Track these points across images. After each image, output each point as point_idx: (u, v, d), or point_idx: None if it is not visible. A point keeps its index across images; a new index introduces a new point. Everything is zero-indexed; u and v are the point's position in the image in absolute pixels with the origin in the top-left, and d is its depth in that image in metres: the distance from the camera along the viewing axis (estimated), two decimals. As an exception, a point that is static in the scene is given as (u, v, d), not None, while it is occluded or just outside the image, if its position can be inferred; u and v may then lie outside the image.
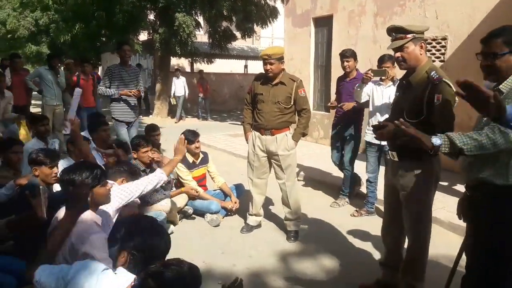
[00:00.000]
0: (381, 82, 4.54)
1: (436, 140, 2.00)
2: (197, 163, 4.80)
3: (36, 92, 8.20)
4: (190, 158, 4.75)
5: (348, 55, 4.88)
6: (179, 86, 13.75)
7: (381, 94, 4.52)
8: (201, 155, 4.87)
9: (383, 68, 4.31)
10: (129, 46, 5.87)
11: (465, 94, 1.82)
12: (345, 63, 4.91)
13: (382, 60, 4.44)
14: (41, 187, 2.46)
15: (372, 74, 4.21)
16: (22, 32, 16.73)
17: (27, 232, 2.48)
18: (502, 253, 2.05)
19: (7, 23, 17.44)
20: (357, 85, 4.56)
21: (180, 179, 4.70)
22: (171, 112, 14.34)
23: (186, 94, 13.81)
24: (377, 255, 3.74)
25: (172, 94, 13.83)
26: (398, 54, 2.65)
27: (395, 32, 2.67)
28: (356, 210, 4.88)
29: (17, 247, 2.81)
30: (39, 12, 15.43)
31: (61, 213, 2.34)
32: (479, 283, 2.15)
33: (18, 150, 3.76)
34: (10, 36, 18.67)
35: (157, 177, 2.97)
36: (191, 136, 4.66)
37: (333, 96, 8.69)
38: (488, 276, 2.10)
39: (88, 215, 2.25)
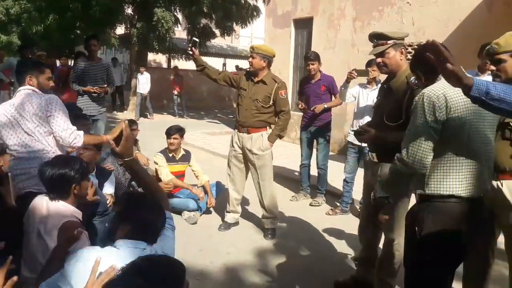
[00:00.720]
0: (368, 85, 4.64)
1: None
2: (177, 158, 4.76)
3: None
4: (171, 152, 4.72)
5: (312, 58, 5.00)
6: (143, 83, 13.10)
7: (366, 96, 4.62)
8: (183, 152, 4.83)
9: (366, 69, 4.44)
10: (96, 41, 5.74)
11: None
12: (310, 66, 5.02)
13: (369, 64, 4.54)
14: (9, 174, 2.42)
15: (356, 74, 4.32)
16: (-8, 20, 16.17)
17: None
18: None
19: (-23, 11, 16.81)
20: (341, 85, 4.66)
21: (156, 166, 4.65)
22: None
23: (146, 92, 13.14)
24: (351, 253, 3.83)
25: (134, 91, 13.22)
26: (379, 60, 2.74)
27: (377, 38, 2.75)
28: (331, 209, 4.98)
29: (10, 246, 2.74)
30: (10, 1, 14.94)
31: (36, 202, 2.29)
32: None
33: None
34: (-21, 25, 17.99)
35: (76, 133, 2.83)
36: (170, 130, 4.68)
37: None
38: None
39: (68, 208, 2.22)
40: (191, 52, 3.98)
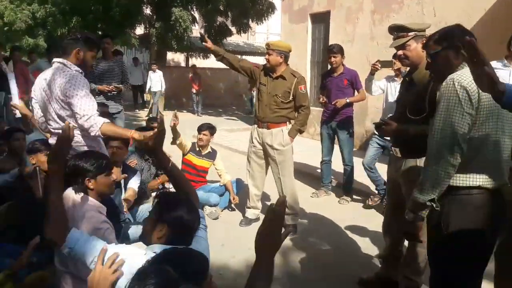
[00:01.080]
0: (395, 78, 4.58)
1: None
2: (202, 154, 4.83)
3: None
4: (197, 147, 4.82)
5: (335, 50, 4.91)
6: (155, 81, 12.90)
7: (394, 90, 4.52)
8: (209, 150, 4.89)
9: (391, 60, 4.40)
10: (110, 39, 5.82)
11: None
12: (332, 59, 4.93)
13: (395, 56, 4.49)
14: (37, 168, 2.48)
15: (380, 65, 4.27)
16: (19, 25, 16.63)
17: (27, 216, 2.49)
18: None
19: (5, 16, 17.31)
20: (366, 77, 4.60)
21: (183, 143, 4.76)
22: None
23: (163, 89, 12.93)
24: (375, 250, 3.79)
25: (147, 90, 13.07)
26: (400, 52, 2.72)
27: (397, 30, 2.73)
28: (370, 198, 5.01)
29: (19, 234, 2.84)
30: (36, 5, 15.36)
31: (65, 194, 2.34)
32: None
33: (20, 137, 3.83)
34: (7, 29, 18.52)
35: (94, 120, 2.64)
36: (201, 127, 4.81)
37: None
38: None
39: (93, 201, 2.26)
40: (204, 45, 3.97)
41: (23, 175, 3.11)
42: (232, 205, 4.82)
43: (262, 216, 4.48)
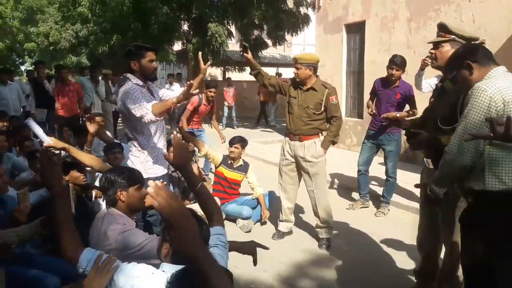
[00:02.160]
0: None
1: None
2: (234, 166, 4.86)
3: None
4: (229, 159, 4.86)
5: (398, 63, 4.72)
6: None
7: None
8: (241, 162, 4.91)
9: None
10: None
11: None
12: (394, 71, 4.75)
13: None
14: (69, 184, 2.57)
15: (430, 61, 4.18)
16: (64, 44, 17.56)
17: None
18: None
19: (50, 36, 18.37)
20: (416, 73, 4.49)
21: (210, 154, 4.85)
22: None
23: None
24: (411, 264, 3.66)
25: None
26: (432, 50, 2.71)
27: (439, 29, 2.70)
28: None
29: (57, 247, 2.95)
30: (79, 24, 16.17)
31: (102, 213, 2.45)
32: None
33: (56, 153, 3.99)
34: (52, 48, 19.60)
35: (145, 108, 2.90)
36: (233, 140, 4.86)
37: (365, 102, 8.64)
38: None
39: (121, 214, 2.30)
40: (245, 56, 4.00)
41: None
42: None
43: (295, 229, 4.45)
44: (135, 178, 2.37)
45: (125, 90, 2.97)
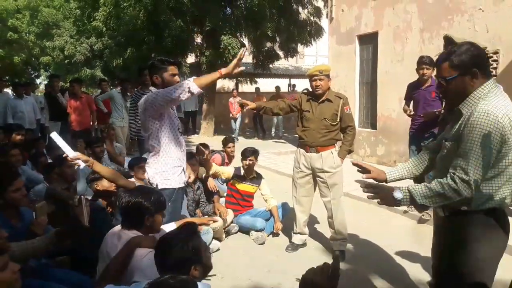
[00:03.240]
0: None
1: (398, 194, 2.01)
2: (247, 179, 4.85)
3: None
4: (242, 172, 4.84)
5: (428, 62, 4.79)
6: (190, 102, 13.81)
7: None
8: (254, 174, 4.88)
9: None
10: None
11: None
12: (425, 71, 4.82)
13: None
14: (82, 197, 2.59)
15: None
16: (79, 57, 17.87)
17: (74, 242, 2.60)
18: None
19: (65, 50, 18.71)
20: None
21: (220, 172, 4.83)
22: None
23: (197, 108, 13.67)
24: (426, 277, 3.58)
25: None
26: None
27: (446, 42, 2.67)
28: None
29: (72, 259, 2.97)
30: (94, 38, 16.47)
31: (113, 230, 2.46)
32: None
33: (72, 165, 4.06)
34: (67, 62, 19.96)
35: (185, 83, 2.91)
36: (246, 152, 4.80)
37: (380, 112, 8.61)
38: None
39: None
40: (247, 107, 3.99)
41: (70, 203, 3.29)
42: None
43: (308, 241, 4.40)
44: (162, 204, 2.40)
45: (149, 95, 2.99)
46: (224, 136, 6.48)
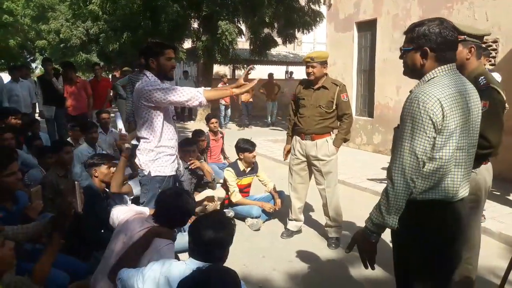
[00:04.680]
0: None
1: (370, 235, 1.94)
2: (247, 172, 4.86)
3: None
4: (241, 166, 4.81)
5: None
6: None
7: None
8: (252, 165, 4.91)
9: None
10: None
11: None
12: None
13: None
14: (76, 182, 2.60)
15: None
16: (74, 41, 17.68)
17: (69, 227, 2.61)
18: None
19: (61, 33, 18.53)
20: None
21: (226, 183, 4.77)
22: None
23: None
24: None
25: None
26: None
27: None
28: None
29: (67, 244, 2.98)
30: (90, 22, 16.29)
31: (116, 211, 2.51)
32: None
33: (69, 151, 4.06)
34: (63, 46, 19.79)
35: (195, 92, 2.89)
36: (249, 145, 4.78)
37: (377, 101, 8.59)
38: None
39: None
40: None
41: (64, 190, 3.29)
42: (272, 217, 4.77)
43: (304, 228, 4.42)
44: (194, 209, 2.55)
45: (148, 83, 2.91)
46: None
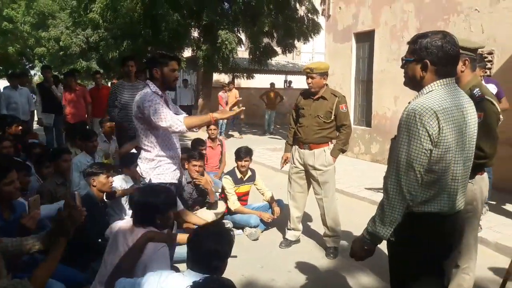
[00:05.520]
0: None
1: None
2: (244, 179, 4.87)
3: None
4: (239, 174, 4.83)
5: None
6: (185, 96, 13.97)
7: None
8: (249, 173, 4.92)
9: None
10: (134, 62, 5.65)
11: None
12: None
13: None
14: (75, 192, 2.61)
15: None
16: (74, 49, 17.75)
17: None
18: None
19: (61, 41, 18.59)
20: None
21: (224, 190, 4.78)
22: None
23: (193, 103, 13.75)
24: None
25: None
26: None
27: None
28: None
29: (64, 254, 2.97)
30: (90, 30, 16.36)
31: (118, 226, 2.55)
32: None
33: (67, 159, 4.07)
34: (63, 53, 19.83)
35: (175, 118, 2.90)
36: (241, 153, 4.78)
37: (375, 111, 8.64)
38: None
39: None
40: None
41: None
42: (270, 227, 4.77)
43: (302, 238, 4.43)
44: (172, 202, 2.51)
45: (145, 98, 2.93)
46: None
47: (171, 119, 2.88)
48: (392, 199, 1.77)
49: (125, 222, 2.56)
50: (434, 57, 1.77)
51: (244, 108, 3.09)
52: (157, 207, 2.37)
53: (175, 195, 2.60)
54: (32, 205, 2.69)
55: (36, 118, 8.62)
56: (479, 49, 2.72)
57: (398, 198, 1.76)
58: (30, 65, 32.18)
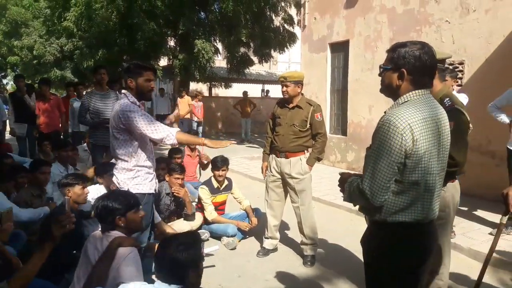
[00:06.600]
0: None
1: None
2: (221, 189, 4.86)
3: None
4: (215, 183, 4.81)
5: None
6: (162, 105, 13.78)
7: None
8: (226, 182, 4.91)
9: None
10: (106, 70, 5.64)
11: None
12: None
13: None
14: (66, 198, 2.58)
15: None
16: (48, 58, 17.42)
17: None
18: None
19: (35, 49, 18.23)
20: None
21: (201, 201, 4.75)
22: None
23: (172, 115, 13.46)
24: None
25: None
26: None
27: None
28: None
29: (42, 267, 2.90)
30: (64, 39, 16.09)
31: (94, 233, 2.53)
32: None
33: (46, 171, 3.97)
34: (36, 62, 19.44)
35: (168, 131, 2.90)
36: (218, 162, 4.77)
37: (350, 119, 8.78)
38: None
39: (122, 235, 2.40)
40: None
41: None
42: (248, 236, 4.76)
43: (280, 246, 4.43)
44: (131, 202, 2.46)
45: (127, 108, 2.89)
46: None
47: (163, 131, 2.89)
48: (366, 195, 1.81)
49: (95, 233, 2.54)
50: (411, 66, 1.79)
51: (234, 142, 3.15)
52: (116, 210, 2.37)
53: (136, 197, 2.57)
54: (5, 218, 2.61)
55: (8, 128, 8.39)
56: (447, 59, 2.80)
57: (368, 197, 1.81)
58: (3, 74, 31.39)
